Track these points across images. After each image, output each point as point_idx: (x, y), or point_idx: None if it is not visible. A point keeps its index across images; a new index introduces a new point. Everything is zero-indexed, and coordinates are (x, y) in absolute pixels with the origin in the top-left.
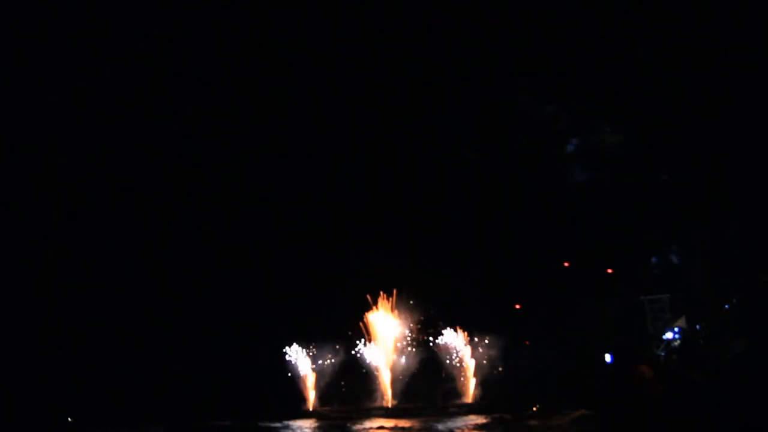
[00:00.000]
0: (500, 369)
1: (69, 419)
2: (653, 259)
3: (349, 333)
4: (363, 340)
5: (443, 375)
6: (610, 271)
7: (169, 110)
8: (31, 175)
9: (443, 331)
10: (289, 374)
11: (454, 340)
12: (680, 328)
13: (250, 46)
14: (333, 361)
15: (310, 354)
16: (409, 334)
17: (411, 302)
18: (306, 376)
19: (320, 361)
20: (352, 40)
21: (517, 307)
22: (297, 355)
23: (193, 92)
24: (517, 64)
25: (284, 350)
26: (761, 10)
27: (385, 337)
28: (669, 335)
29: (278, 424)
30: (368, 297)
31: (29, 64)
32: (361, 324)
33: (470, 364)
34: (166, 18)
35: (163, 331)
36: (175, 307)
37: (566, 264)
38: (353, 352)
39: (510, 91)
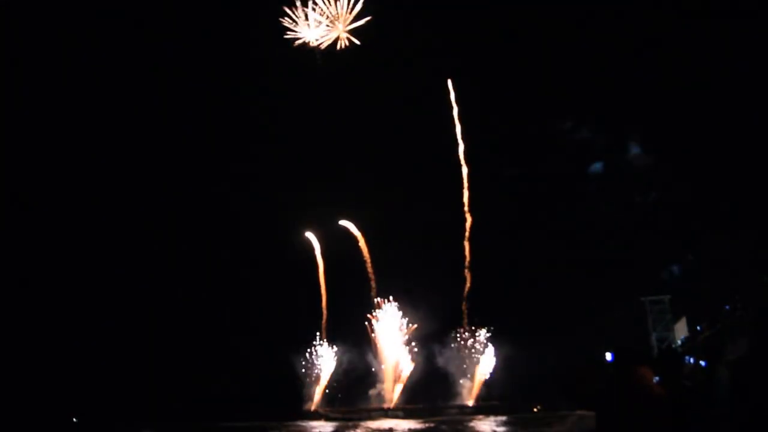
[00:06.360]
0: (500, 371)
1: (74, 419)
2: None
3: (354, 335)
4: (367, 341)
5: (445, 376)
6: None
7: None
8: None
9: (445, 333)
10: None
11: (455, 342)
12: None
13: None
14: (339, 362)
15: (314, 356)
16: (413, 337)
17: (415, 306)
18: (310, 377)
19: (324, 363)
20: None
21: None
22: (300, 357)
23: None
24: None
25: (286, 352)
26: None
27: (389, 339)
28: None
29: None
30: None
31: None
32: (366, 326)
33: (472, 366)
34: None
35: (166, 332)
36: (182, 309)
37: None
38: (358, 354)
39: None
